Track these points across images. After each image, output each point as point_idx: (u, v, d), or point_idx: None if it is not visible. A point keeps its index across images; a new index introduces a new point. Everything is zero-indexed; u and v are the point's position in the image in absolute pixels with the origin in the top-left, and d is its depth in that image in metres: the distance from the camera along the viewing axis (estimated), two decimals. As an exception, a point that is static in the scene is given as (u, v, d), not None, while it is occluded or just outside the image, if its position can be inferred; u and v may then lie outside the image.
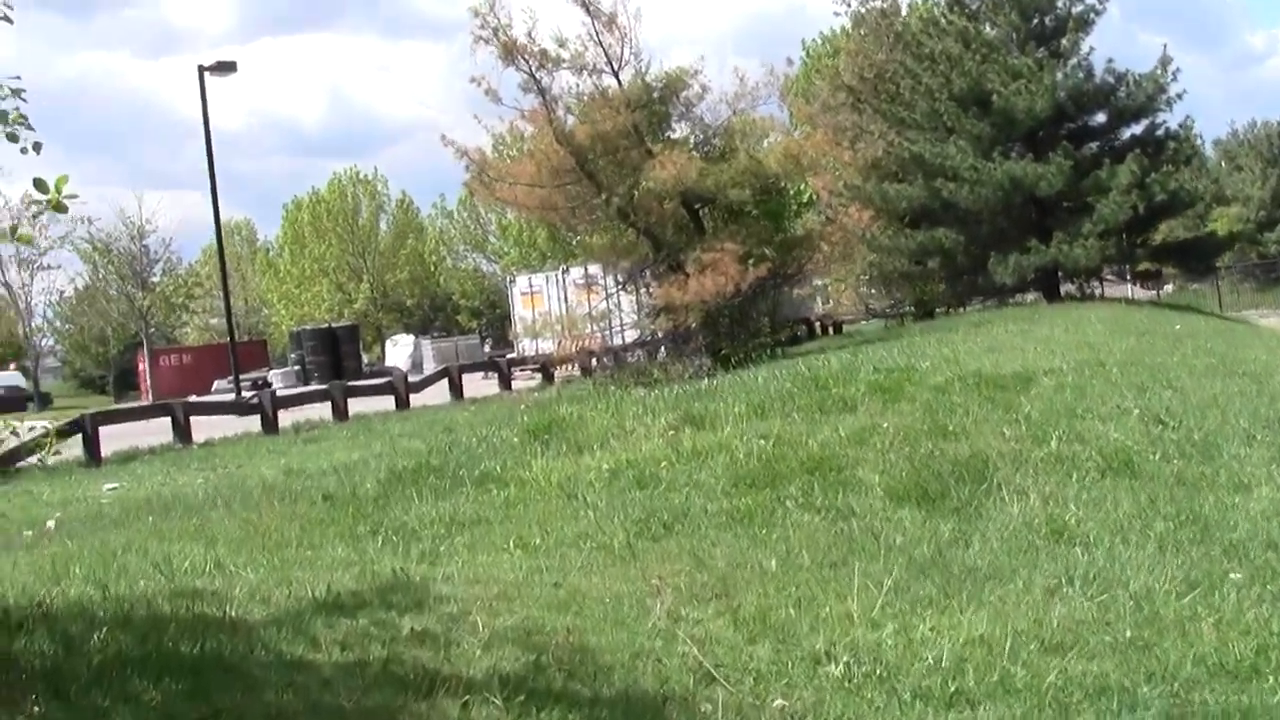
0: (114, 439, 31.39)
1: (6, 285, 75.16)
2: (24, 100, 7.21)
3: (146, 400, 71.21)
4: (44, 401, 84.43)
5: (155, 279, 74.78)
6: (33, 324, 77.56)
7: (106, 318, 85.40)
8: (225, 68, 54.93)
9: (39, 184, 6.89)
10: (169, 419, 32.80)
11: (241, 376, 74.52)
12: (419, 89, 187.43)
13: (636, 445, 13.62)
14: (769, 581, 8.54)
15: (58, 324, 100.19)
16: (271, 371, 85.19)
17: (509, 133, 45.76)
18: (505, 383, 43.68)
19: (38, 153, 7.17)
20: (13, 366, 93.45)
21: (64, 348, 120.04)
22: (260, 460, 26.03)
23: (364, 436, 29.30)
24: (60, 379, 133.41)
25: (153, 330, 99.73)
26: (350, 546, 10.14)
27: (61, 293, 79.95)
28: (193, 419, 33.28)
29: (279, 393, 70.08)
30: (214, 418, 36.01)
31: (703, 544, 9.58)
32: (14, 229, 7.07)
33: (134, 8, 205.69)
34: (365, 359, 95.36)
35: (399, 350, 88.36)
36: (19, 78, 7.32)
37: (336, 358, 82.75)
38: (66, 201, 6.97)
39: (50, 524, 16.23)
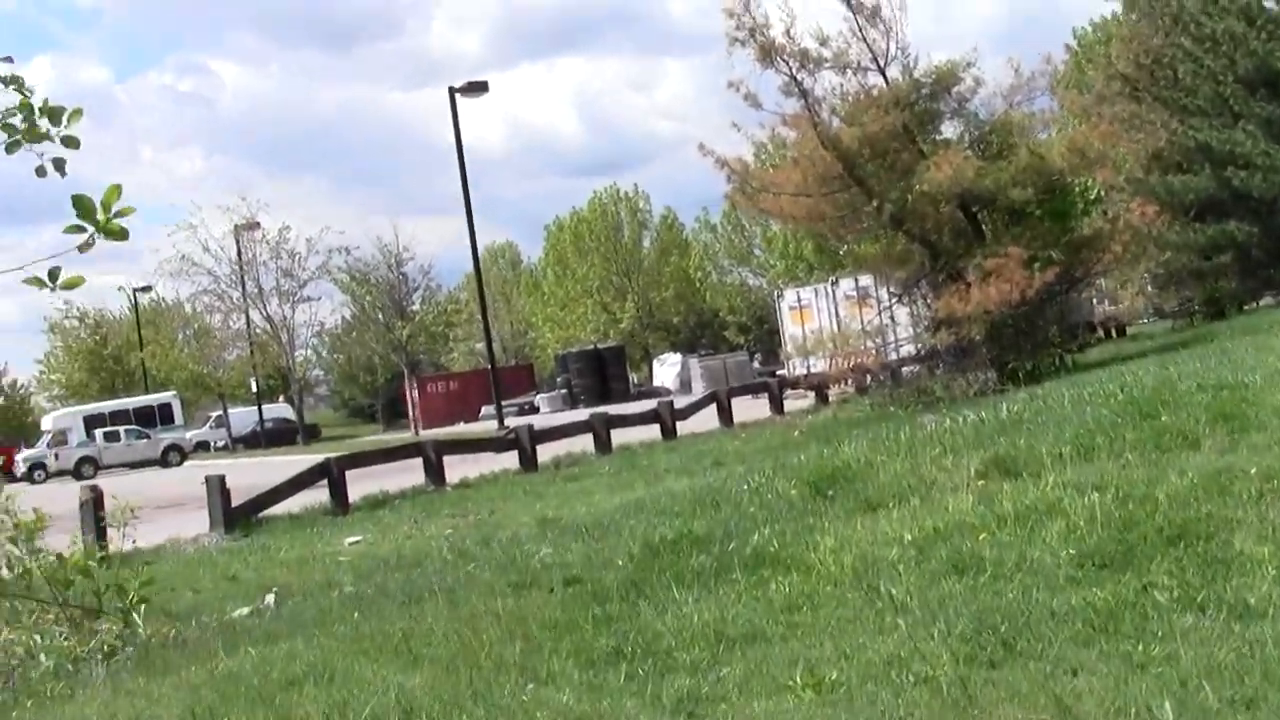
0: (369, 478, 29.90)
1: (268, 318, 74.86)
2: (28, 94, 5.09)
3: (416, 428, 70.43)
4: (310, 434, 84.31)
5: (414, 307, 74.03)
6: (296, 356, 77.14)
7: (369, 347, 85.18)
8: (476, 88, 54.23)
9: (80, 204, 4.80)
10: (420, 460, 30.97)
11: (508, 401, 73.92)
12: (676, 105, 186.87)
13: (941, 502, 11.10)
14: (1171, 743, 6.00)
15: (323, 354, 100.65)
16: (538, 395, 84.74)
17: (770, 140, 43.40)
18: (776, 405, 41.39)
19: (61, 173, 5.05)
20: (281, 399, 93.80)
21: (332, 378, 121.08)
22: (515, 505, 24.10)
23: (627, 474, 27.22)
24: (331, 408, 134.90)
25: (422, 356, 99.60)
26: (583, 680, 7.80)
27: (323, 324, 79.78)
28: (448, 457, 31.49)
29: (544, 417, 69.30)
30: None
31: (1059, 673, 6.87)
32: (55, 272, 4.94)
33: (392, 40, 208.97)
34: (633, 379, 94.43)
35: (667, 369, 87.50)
36: (10, 59, 5.20)
37: (603, 379, 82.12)
38: (123, 223, 4.91)
39: (269, 598, 14.60)
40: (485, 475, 30.63)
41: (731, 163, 34.21)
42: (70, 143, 4.89)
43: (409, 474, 30.57)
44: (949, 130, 35.11)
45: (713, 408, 40.45)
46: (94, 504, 22.44)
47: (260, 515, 26.12)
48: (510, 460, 32.28)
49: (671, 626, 8.59)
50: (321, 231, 73.04)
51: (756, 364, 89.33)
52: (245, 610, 14.03)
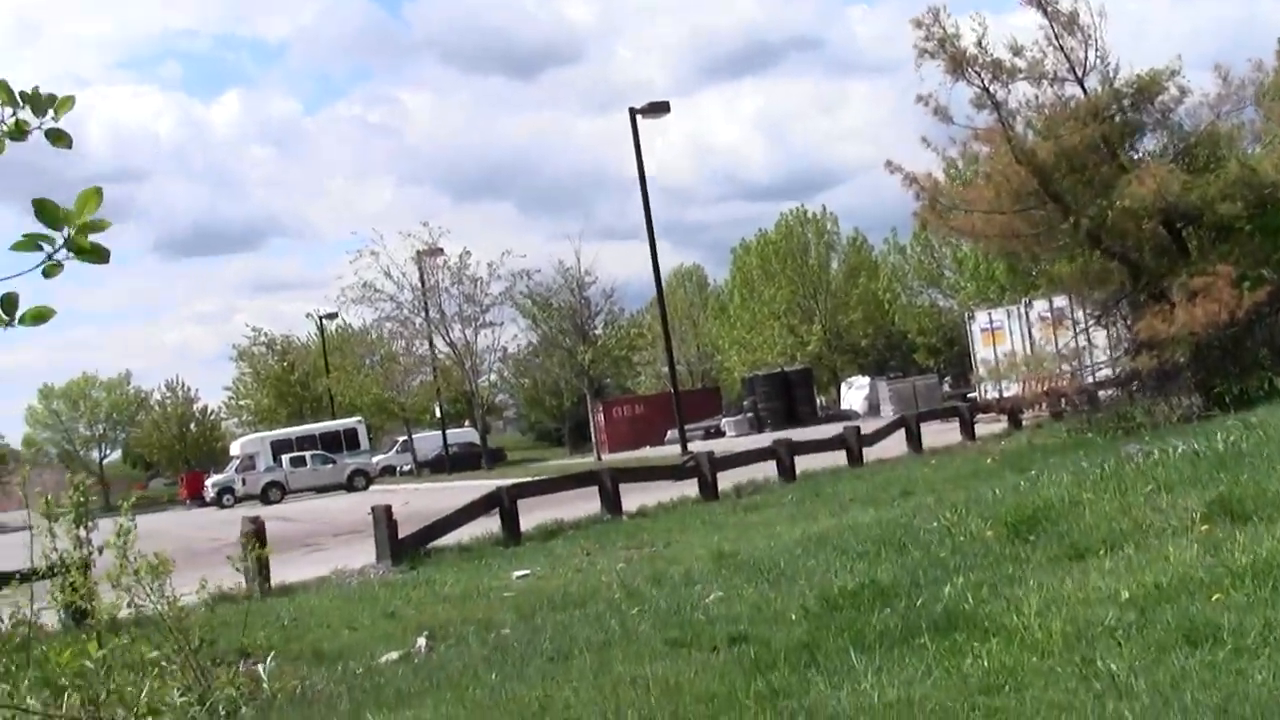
0: (544, 505, 29.05)
1: (451, 344, 74.10)
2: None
3: (599, 452, 69.64)
4: (495, 457, 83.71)
5: (597, 331, 72.86)
6: (480, 381, 76.24)
7: (552, 372, 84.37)
8: (657, 109, 53.47)
9: (44, 210, 3.63)
10: (596, 488, 29.84)
11: (694, 425, 73.00)
12: (863, 128, 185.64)
13: (1160, 551, 9.66)
14: None
15: (508, 378, 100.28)
16: (724, 419, 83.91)
17: (961, 156, 41.83)
18: (967, 430, 39.79)
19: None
20: (466, 423, 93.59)
21: (518, 402, 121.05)
22: (691, 536, 22.87)
23: (810, 503, 25.88)
24: (518, 431, 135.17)
25: (607, 380, 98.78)
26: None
27: (505, 349, 78.83)
28: (626, 483, 30.34)
29: (728, 441, 68.23)
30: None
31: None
32: (10, 300, 3.76)
33: (577, 66, 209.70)
34: (820, 401, 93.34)
35: (855, 392, 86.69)
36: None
37: (790, 402, 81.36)
38: (102, 240, 3.75)
39: (420, 642, 13.62)
40: (664, 503, 29.58)
41: (921, 179, 32.88)
42: (58, 139, 3.74)
43: (585, 501, 29.62)
44: (1151, 143, 33.54)
45: (901, 433, 38.96)
46: (256, 536, 21.60)
47: (429, 546, 25.19)
48: (690, 488, 31.15)
49: (847, 708, 7.09)
50: (503, 256, 71.89)
51: (946, 386, 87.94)
52: (395, 655, 13.07)
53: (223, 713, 10.03)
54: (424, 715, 8.61)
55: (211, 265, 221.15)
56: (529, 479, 34.42)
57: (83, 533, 11.33)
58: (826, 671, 8.04)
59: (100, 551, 11.27)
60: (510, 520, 26.30)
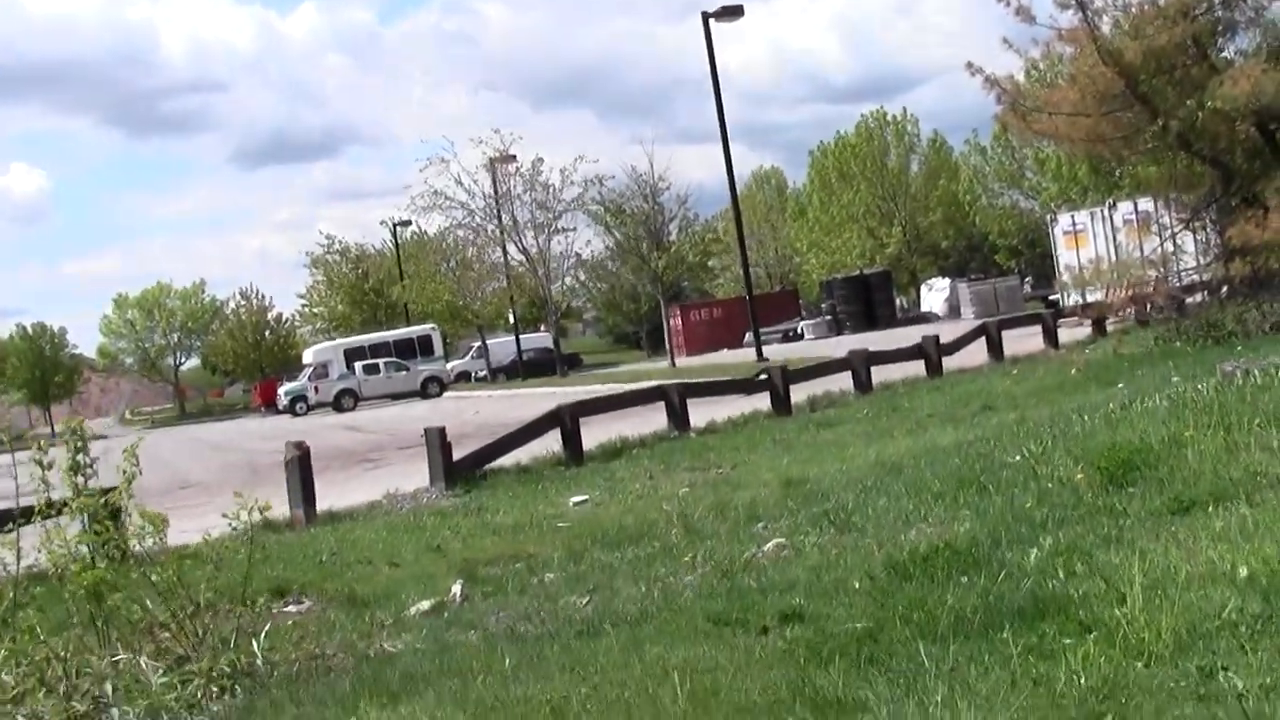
0: (610, 420, 28.29)
1: (524, 250, 72.81)
2: None
3: (673, 358, 68.50)
4: (570, 363, 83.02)
5: (671, 238, 71.29)
6: (554, 287, 74.90)
7: (625, 279, 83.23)
8: (730, 12, 52.96)
9: None
10: (663, 403, 28.84)
11: (773, 328, 72.41)
12: (943, 28, 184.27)
13: (1278, 509, 8.57)
14: None
15: (585, 282, 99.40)
16: (803, 322, 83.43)
17: (1045, 58, 40.45)
18: (1050, 337, 38.58)
19: None
20: (542, 327, 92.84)
21: (595, 306, 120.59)
22: (760, 457, 21.84)
23: (886, 419, 24.85)
24: (596, 335, 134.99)
25: (685, 284, 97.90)
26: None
27: (578, 255, 77.43)
28: (691, 400, 29.28)
29: (807, 344, 67.38)
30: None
31: None
32: None
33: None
34: (900, 303, 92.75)
35: (935, 295, 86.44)
36: None
37: (869, 305, 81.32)
38: None
39: (455, 589, 12.72)
40: (733, 418, 28.65)
41: (1002, 82, 31.91)
42: None
43: (653, 414, 28.88)
44: (1243, 41, 32.36)
45: (982, 340, 37.73)
46: (299, 463, 20.73)
47: (487, 467, 24.22)
48: (763, 400, 30.24)
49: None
50: (575, 161, 70.40)
51: (1027, 288, 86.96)
52: (426, 605, 12.10)
53: (204, 696, 9.10)
54: (419, 714, 7.59)
55: (291, 173, 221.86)
56: (592, 396, 33.30)
57: (80, 480, 10.49)
58: (890, 672, 6.83)
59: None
60: (572, 440, 25.30)
